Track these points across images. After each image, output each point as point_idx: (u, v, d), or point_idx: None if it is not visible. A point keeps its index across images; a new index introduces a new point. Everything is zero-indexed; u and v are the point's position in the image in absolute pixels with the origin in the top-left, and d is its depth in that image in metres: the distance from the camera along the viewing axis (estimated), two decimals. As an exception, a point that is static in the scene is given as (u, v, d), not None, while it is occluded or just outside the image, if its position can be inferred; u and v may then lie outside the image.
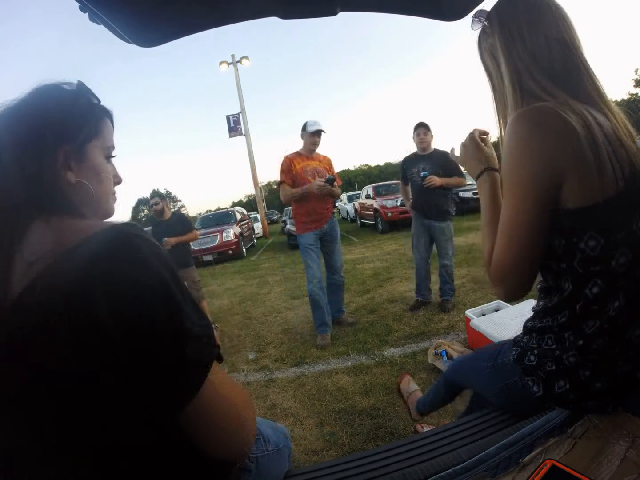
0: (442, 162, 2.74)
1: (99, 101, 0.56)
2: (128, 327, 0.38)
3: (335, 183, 2.62)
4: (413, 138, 2.89)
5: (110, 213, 0.58)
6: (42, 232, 0.43)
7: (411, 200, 3.00)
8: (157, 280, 0.41)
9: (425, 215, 2.87)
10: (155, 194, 3.39)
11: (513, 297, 0.68)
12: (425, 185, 2.72)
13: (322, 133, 2.67)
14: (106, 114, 0.57)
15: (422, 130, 2.80)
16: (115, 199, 0.59)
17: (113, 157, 0.58)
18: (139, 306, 0.39)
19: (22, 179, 0.46)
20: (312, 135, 2.64)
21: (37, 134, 0.47)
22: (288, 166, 2.64)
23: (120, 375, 0.39)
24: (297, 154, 2.72)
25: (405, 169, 2.96)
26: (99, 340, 0.38)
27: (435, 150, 2.85)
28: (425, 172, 2.74)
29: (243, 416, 0.50)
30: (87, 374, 0.39)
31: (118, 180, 0.59)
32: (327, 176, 2.61)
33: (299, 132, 2.73)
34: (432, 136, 2.86)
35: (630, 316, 0.63)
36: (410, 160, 2.93)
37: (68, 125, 0.50)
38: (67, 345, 0.38)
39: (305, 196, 2.60)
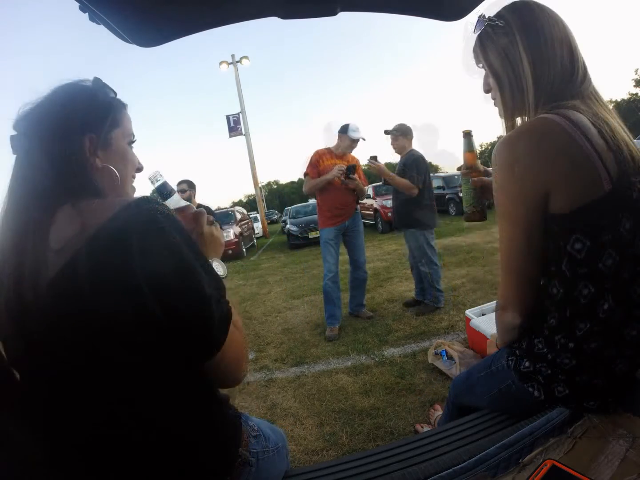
0: (406, 164, 2.78)
1: (116, 94, 0.61)
2: (159, 290, 0.45)
3: (357, 178, 2.66)
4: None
5: (131, 196, 0.62)
6: (70, 215, 0.48)
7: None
8: (176, 248, 0.48)
9: (395, 223, 3.03)
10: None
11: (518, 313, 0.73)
12: (368, 163, 2.77)
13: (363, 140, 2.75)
14: (124, 106, 0.62)
15: (391, 136, 2.89)
16: (134, 188, 0.63)
17: (133, 142, 0.62)
18: (164, 271, 0.45)
19: (53, 165, 0.50)
20: (353, 141, 2.71)
21: (63, 124, 0.52)
22: (317, 161, 2.72)
23: (156, 334, 0.46)
24: (328, 150, 2.78)
25: None
26: (137, 306, 0.45)
27: (410, 152, 2.86)
28: (374, 157, 2.75)
29: (244, 351, 0.60)
30: (127, 338, 0.46)
31: (140, 167, 0.64)
32: (347, 165, 2.65)
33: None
34: (407, 140, 2.88)
35: (623, 317, 0.63)
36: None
37: (91, 115, 0.55)
38: (113, 315, 0.44)
39: (328, 190, 2.67)
